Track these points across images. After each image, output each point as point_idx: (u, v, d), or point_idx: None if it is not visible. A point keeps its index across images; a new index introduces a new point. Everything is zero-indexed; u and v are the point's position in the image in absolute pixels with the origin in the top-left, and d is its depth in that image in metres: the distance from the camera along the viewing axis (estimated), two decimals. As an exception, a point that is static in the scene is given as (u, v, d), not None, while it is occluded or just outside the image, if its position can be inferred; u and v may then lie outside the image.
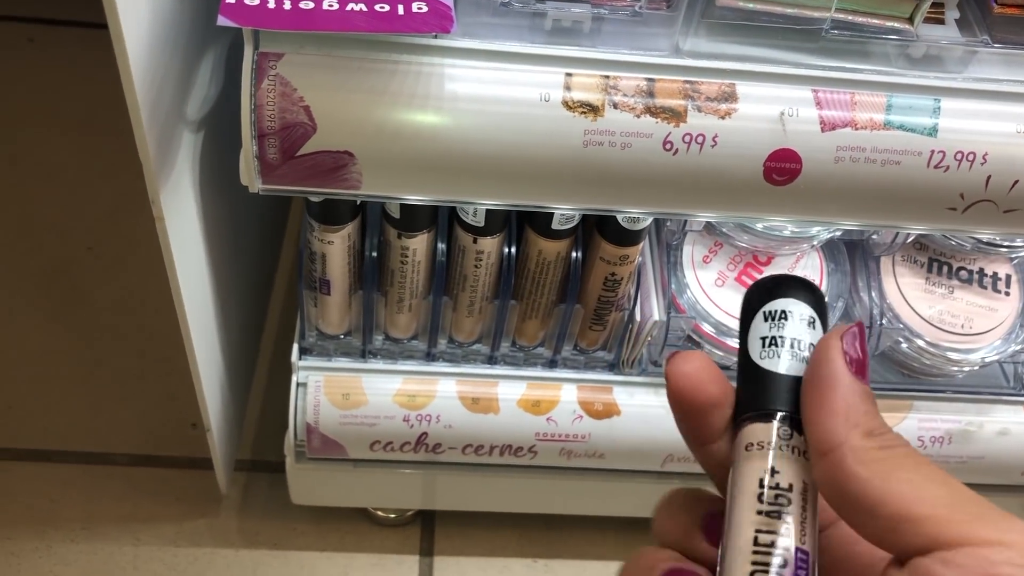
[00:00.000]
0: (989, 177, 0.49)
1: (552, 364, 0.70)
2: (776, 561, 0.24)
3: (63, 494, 0.80)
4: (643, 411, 0.69)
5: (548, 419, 0.69)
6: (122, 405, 0.86)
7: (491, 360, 0.70)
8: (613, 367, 0.69)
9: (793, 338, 0.27)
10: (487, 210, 0.58)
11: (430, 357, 0.69)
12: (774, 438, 0.26)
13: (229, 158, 0.62)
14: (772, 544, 0.24)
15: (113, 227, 0.97)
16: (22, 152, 1.01)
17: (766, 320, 0.27)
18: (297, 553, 0.79)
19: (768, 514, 0.25)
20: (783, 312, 0.27)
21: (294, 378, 0.68)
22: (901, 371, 0.71)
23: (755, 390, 0.27)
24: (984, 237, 0.65)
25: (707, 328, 0.66)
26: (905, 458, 0.24)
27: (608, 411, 0.69)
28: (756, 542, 0.24)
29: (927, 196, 0.49)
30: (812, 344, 0.27)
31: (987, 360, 0.68)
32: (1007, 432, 0.72)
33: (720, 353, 0.67)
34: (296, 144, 0.46)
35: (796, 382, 0.26)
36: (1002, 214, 0.50)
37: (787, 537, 0.24)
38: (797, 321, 0.27)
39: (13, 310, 0.90)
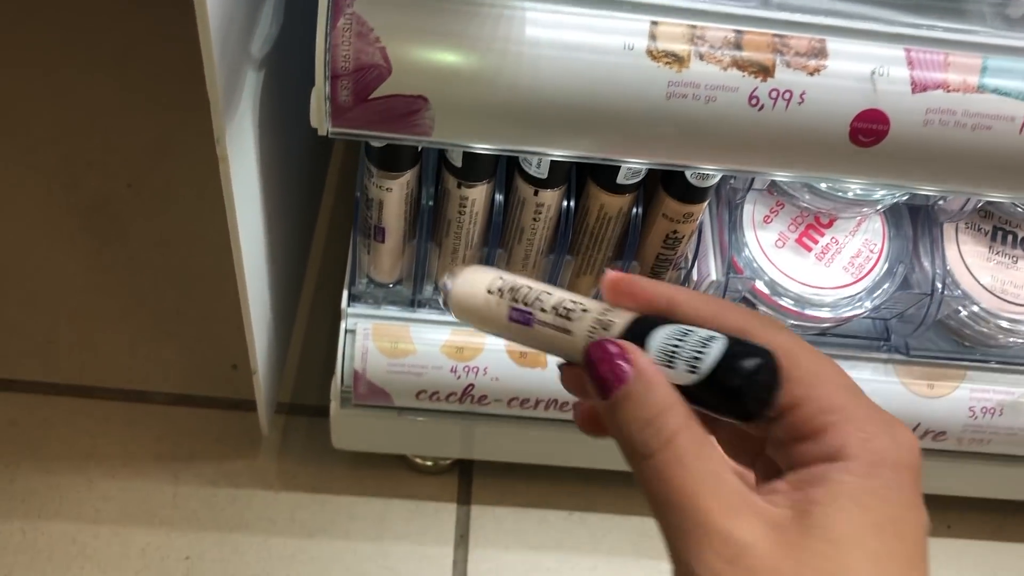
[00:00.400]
0: (1083, 149, 0.47)
1: (602, 320, 0.69)
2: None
3: (103, 430, 0.80)
4: (693, 371, 0.68)
5: (596, 375, 0.69)
6: (161, 344, 0.85)
7: (540, 313, 0.69)
8: (665, 325, 0.68)
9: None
10: (551, 162, 0.56)
11: (479, 308, 0.68)
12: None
13: (285, 98, 0.61)
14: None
15: (153, 164, 0.96)
16: (62, 88, 1.00)
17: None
18: (335, 497, 0.79)
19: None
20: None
21: (343, 324, 0.67)
22: (956, 339, 0.70)
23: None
24: (1054, 207, 0.64)
25: (763, 288, 0.65)
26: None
27: (657, 369, 0.69)
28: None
29: (1017, 163, 0.47)
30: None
31: (1049, 332, 0.67)
32: (1061, 405, 0.71)
33: (774, 315, 0.66)
34: (369, 87, 0.45)
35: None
36: (1093, 184, 0.48)
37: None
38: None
39: (54, 245, 0.90)
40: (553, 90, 0.45)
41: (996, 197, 0.53)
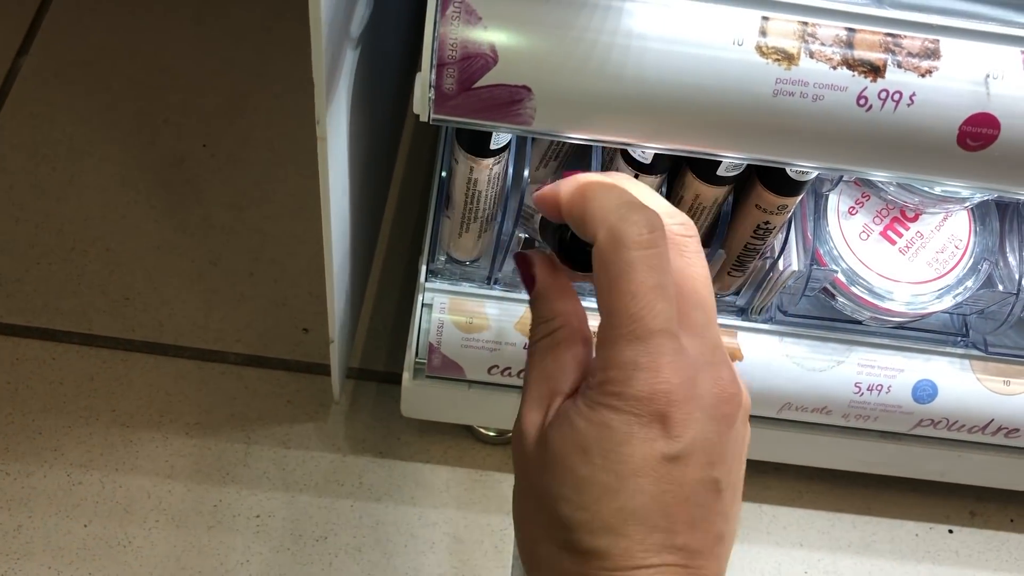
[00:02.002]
0: None
1: (676, 303, 0.69)
2: None
3: (178, 388, 0.82)
4: (766, 358, 0.68)
5: (668, 358, 0.69)
6: (235, 305, 0.87)
7: (614, 294, 0.69)
8: (742, 312, 0.68)
9: None
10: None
11: (554, 287, 0.69)
12: None
13: (374, 76, 0.61)
14: None
15: (227, 125, 0.96)
16: (138, 48, 1.01)
17: None
18: (401, 463, 0.81)
19: None
20: None
21: (419, 298, 0.68)
22: (1039, 338, 0.69)
23: None
24: None
25: (844, 281, 0.64)
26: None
27: (732, 355, 0.69)
28: None
29: None
30: None
31: None
32: None
33: (853, 306, 0.65)
34: (475, 76, 0.45)
35: None
36: None
37: None
38: None
39: (130, 203, 0.91)
40: (658, 83, 0.45)
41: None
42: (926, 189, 0.61)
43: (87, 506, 0.76)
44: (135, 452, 0.79)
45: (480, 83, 0.45)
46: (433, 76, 0.45)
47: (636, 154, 0.56)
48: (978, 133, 0.46)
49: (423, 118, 0.47)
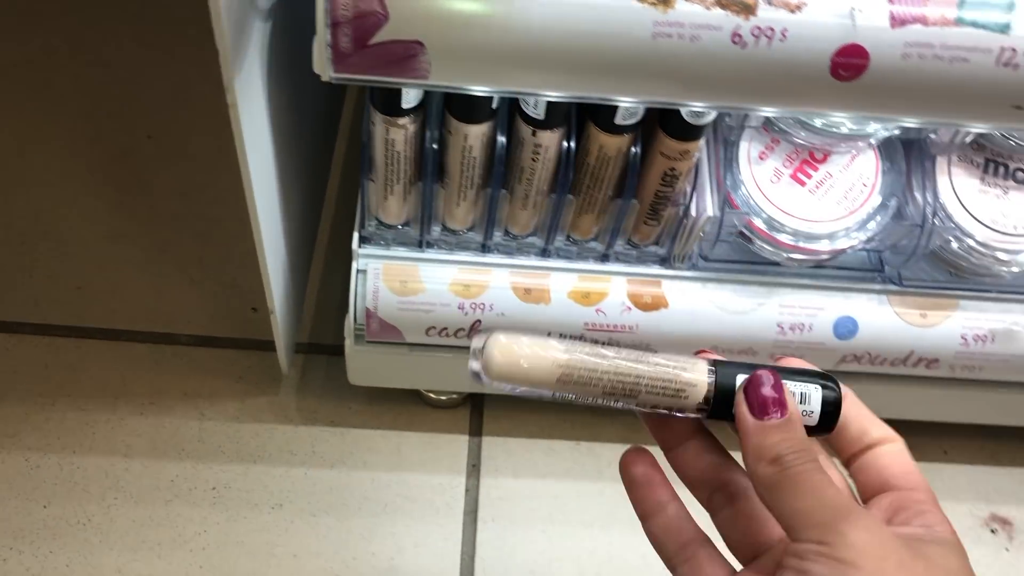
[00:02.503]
0: (1058, 76, 0.48)
1: (604, 258, 0.72)
2: None
3: (131, 371, 0.84)
4: (691, 304, 0.71)
5: (597, 310, 0.71)
6: (185, 289, 0.89)
7: (544, 253, 0.71)
8: (664, 261, 0.71)
9: None
10: (548, 103, 0.59)
11: (485, 249, 0.71)
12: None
13: (294, 47, 0.63)
14: None
15: (172, 116, 0.98)
16: (82, 42, 1.03)
17: None
18: (352, 430, 0.83)
19: None
20: None
21: (354, 265, 0.70)
22: (950, 270, 0.72)
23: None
24: (1044, 137, 0.65)
25: (759, 224, 0.67)
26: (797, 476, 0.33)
27: (656, 303, 0.71)
28: None
29: (994, 94, 0.49)
30: None
31: (1037, 261, 0.68)
32: (1052, 333, 0.73)
33: (770, 248, 0.68)
34: (368, 33, 0.47)
35: None
36: (1068, 114, 0.50)
37: None
38: None
39: (79, 196, 0.93)
40: (543, 32, 0.47)
41: (976, 127, 0.55)
42: (833, 129, 0.63)
43: (46, 488, 0.78)
44: (91, 434, 0.81)
45: (374, 40, 0.47)
46: (329, 35, 0.47)
47: (529, 110, 0.58)
48: (849, 64, 0.48)
49: (324, 77, 0.49)
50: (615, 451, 0.83)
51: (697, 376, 0.35)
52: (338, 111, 0.99)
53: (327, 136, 0.94)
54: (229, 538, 0.77)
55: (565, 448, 0.84)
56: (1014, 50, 0.48)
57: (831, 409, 0.35)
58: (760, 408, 0.34)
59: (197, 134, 0.97)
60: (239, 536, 0.78)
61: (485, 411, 0.85)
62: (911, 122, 0.52)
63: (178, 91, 1.00)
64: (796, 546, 0.32)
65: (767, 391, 0.34)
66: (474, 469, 0.82)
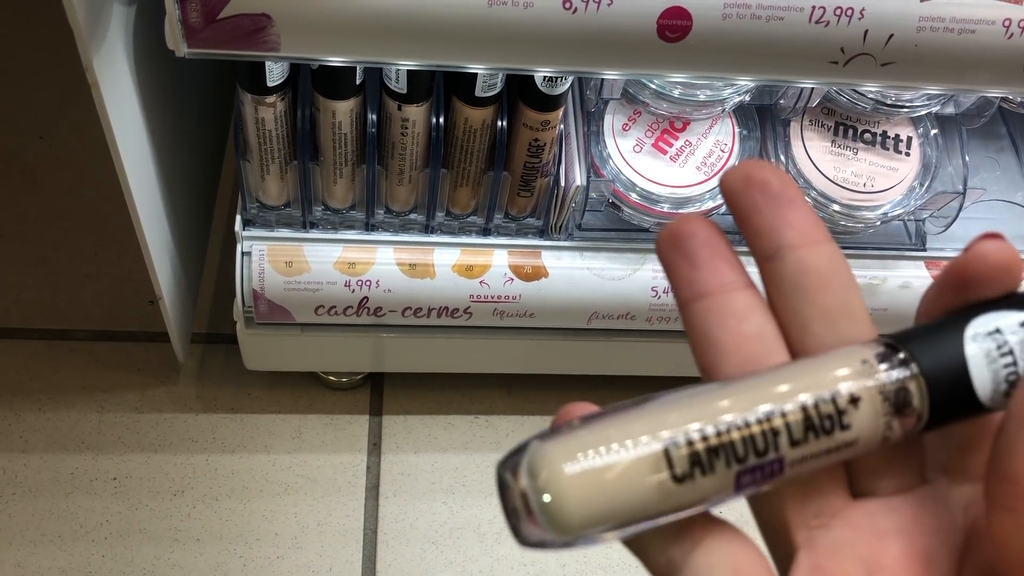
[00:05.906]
0: (867, 31, 0.53)
1: (485, 232, 0.74)
2: None
3: (28, 368, 0.85)
4: (569, 273, 0.74)
5: (481, 282, 0.74)
6: (80, 285, 0.89)
7: (427, 229, 0.74)
8: (542, 233, 0.74)
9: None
10: (410, 78, 0.61)
11: (369, 227, 0.73)
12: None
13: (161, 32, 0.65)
14: None
15: (62, 116, 0.99)
16: (-33, 43, 1.02)
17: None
18: (253, 416, 0.85)
19: None
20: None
21: (239, 247, 0.72)
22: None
23: None
24: (888, 99, 0.70)
25: (625, 192, 0.70)
26: None
27: (537, 273, 0.74)
28: None
29: (810, 50, 0.53)
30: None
31: (888, 216, 0.73)
32: (908, 286, 0.78)
33: (635, 214, 0.72)
34: (217, 7, 0.49)
35: None
36: (880, 67, 0.54)
37: None
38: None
39: (-32, 197, 0.93)
40: (385, 2, 0.50)
41: (799, 83, 0.59)
42: (688, 98, 0.67)
43: (-59, 487, 0.78)
44: (-13, 432, 0.81)
45: (223, 14, 0.49)
46: (179, 11, 0.49)
47: (392, 85, 0.61)
48: (675, 25, 0.52)
49: (178, 53, 0.51)
50: (510, 422, 0.86)
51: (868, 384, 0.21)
52: (229, 98, 1.00)
53: (216, 123, 0.95)
54: (131, 526, 0.78)
55: (463, 422, 0.86)
56: (824, 8, 0.51)
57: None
58: None
59: (89, 132, 0.98)
60: (141, 524, 0.78)
61: (385, 390, 0.87)
62: (741, 79, 0.56)
63: (68, 91, 1.00)
64: None
65: None
66: (375, 447, 0.84)
